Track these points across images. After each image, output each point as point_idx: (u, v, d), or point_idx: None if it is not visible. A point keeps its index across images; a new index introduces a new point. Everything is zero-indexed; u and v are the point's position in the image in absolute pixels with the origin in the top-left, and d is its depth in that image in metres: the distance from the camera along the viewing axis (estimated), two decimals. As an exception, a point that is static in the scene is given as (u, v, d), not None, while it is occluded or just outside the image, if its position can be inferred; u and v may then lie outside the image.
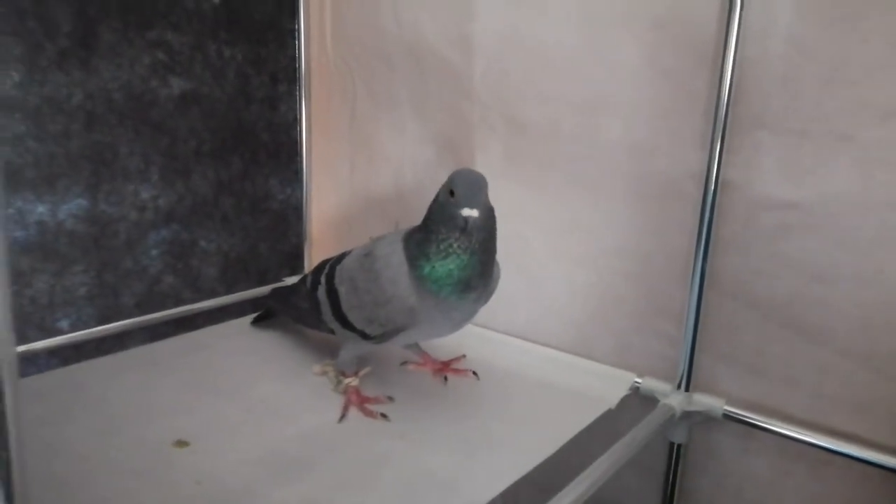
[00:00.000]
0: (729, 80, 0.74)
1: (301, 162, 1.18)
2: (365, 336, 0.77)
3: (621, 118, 0.84)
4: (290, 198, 1.19)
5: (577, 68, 0.87)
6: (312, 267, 0.93)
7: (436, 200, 0.74)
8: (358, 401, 0.79)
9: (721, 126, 0.75)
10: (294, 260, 1.21)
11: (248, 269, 1.15)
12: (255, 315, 1.04)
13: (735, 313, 0.79)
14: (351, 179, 1.16)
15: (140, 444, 0.69)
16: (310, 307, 0.85)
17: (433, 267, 0.70)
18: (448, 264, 0.70)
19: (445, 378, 0.87)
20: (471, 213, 0.68)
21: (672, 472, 0.85)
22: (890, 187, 0.68)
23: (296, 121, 1.16)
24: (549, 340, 0.95)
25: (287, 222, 1.20)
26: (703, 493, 0.85)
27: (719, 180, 0.76)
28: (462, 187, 0.70)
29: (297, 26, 1.12)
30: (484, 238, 0.72)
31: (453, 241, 0.70)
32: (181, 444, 0.69)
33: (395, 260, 0.74)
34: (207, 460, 0.67)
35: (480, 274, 0.73)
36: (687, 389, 0.82)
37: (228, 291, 1.11)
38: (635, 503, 0.90)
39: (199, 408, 0.77)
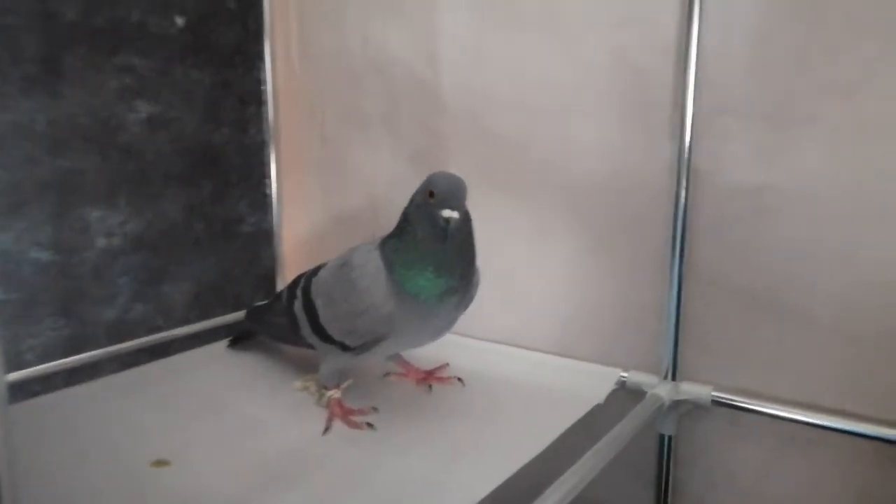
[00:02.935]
0: (693, 72, 0.76)
1: (271, 185, 1.17)
2: (345, 348, 0.76)
3: (592, 118, 0.86)
4: (261, 221, 1.18)
5: (545, 74, 0.88)
6: (287, 286, 0.91)
7: (411, 203, 0.73)
8: (342, 413, 0.77)
9: (689, 117, 0.77)
10: (268, 284, 1.19)
11: (222, 294, 1.13)
12: (231, 338, 1.01)
13: (716, 301, 0.80)
14: (323, 200, 1.15)
15: (118, 466, 0.66)
16: (287, 323, 0.83)
17: (412, 271, 0.70)
18: (427, 268, 0.69)
19: (430, 386, 0.85)
20: (451, 214, 0.68)
21: (664, 467, 0.84)
22: (859, 163, 0.70)
23: (265, 143, 1.16)
24: (531, 344, 0.94)
25: (259, 246, 1.18)
26: (695, 484, 0.84)
27: (690, 170, 0.78)
28: (442, 189, 0.69)
29: (263, 49, 1.13)
30: (463, 241, 0.71)
31: (432, 244, 0.69)
32: (161, 463, 0.66)
33: (371, 268, 0.73)
34: (190, 478, 0.64)
35: (460, 277, 0.72)
36: (674, 379, 0.82)
37: (202, 318, 1.08)
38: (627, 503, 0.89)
39: (177, 429, 0.74)
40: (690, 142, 0.77)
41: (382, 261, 0.72)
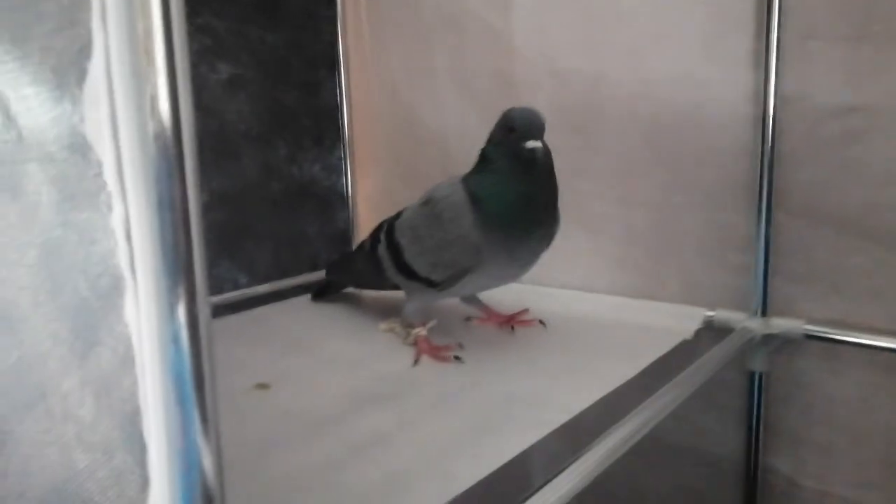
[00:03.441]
0: (778, -4, 0.75)
1: (344, 147, 1.19)
2: (430, 284, 0.77)
3: (669, 52, 0.85)
4: (335, 183, 1.20)
5: (618, 9, 0.88)
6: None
7: (490, 143, 0.74)
8: (428, 348, 0.78)
9: (774, 43, 0.76)
10: (342, 244, 1.22)
11: (299, 254, 1.15)
12: (314, 291, 1.04)
13: (806, 231, 0.78)
14: (395, 159, 1.17)
15: (226, 389, 0.68)
16: (371, 267, 0.85)
17: (498, 202, 0.70)
18: (513, 198, 0.70)
19: (512, 328, 0.85)
20: (535, 144, 0.68)
21: (755, 406, 0.83)
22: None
23: (337, 107, 1.18)
24: (612, 289, 0.94)
25: (333, 207, 1.20)
26: (790, 423, 0.82)
27: (778, 96, 0.76)
28: (522, 122, 0.70)
29: (335, 12, 1.15)
30: (546, 174, 0.72)
31: (518, 175, 0.70)
32: (262, 386, 0.68)
33: (456, 199, 0.74)
34: (290, 398, 0.66)
35: (545, 210, 0.73)
36: (764, 315, 0.80)
37: (281, 277, 1.11)
38: (719, 446, 0.87)
39: (272, 363, 0.76)
40: (777, 67, 0.75)
41: (466, 192, 0.73)
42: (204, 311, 0.27)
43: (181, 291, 0.26)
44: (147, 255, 0.26)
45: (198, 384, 0.26)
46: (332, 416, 0.62)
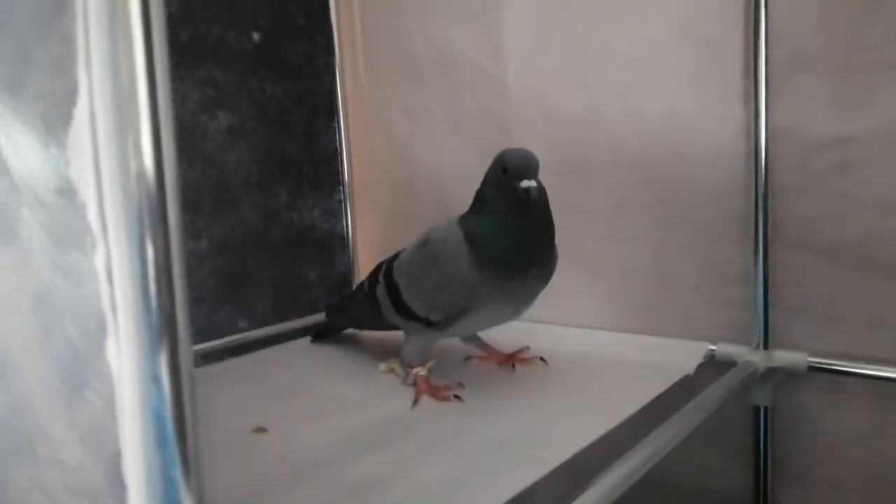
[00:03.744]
0: (764, 32, 0.76)
1: (343, 191, 1.20)
2: (429, 324, 0.77)
3: (661, 91, 0.86)
4: (334, 227, 1.21)
5: (610, 50, 0.89)
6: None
7: (484, 184, 0.75)
8: (428, 389, 0.77)
9: (763, 78, 0.77)
10: (343, 287, 1.22)
11: (299, 299, 1.15)
12: (313, 333, 1.04)
13: (804, 263, 0.78)
14: (393, 202, 1.18)
15: (222, 434, 0.68)
16: (370, 308, 0.85)
17: (494, 242, 0.70)
18: (509, 239, 0.70)
19: (513, 366, 0.85)
20: (530, 183, 0.69)
21: (761, 442, 0.81)
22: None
23: (336, 152, 1.20)
24: (612, 326, 0.93)
25: (333, 251, 1.21)
26: (796, 459, 0.80)
27: (769, 130, 0.77)
28: (515, 163, 0.71)
29: (332, 62, 1.18)
30: (541, 213, 0.72)
31: (514, 215, 0.70)
32: (260, 430, 0.68)
33: (453, 240, 0.74)
34: (287, 442, 0.65)
35: (541, 250, 0.73)
36: (765, 348, 0.79)
37: (281, 320, 1.11)
38: (726, 484, 0.85)
39: (270, 406, 0.76)
40: (766, 102, 0.77)
41: (462, 233, 0.73)
42: (185, 353, 0.27)
43: (162, 332, 0.26)
44: (128, 296, 0.26)
45: (178, 425, 0.26)
46: (329, 459, 0.61)
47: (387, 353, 0.90)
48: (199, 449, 0.27)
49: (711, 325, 0.85)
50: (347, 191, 1.21)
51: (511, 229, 0.70)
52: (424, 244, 0.79)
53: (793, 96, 0.76)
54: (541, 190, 0.71)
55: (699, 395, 0.68)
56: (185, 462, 0.26)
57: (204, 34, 1.01)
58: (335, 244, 1.21)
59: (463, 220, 0.76)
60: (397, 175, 1.16)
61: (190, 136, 1.00)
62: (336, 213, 1.21)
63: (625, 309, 0.92)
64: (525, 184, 0.69)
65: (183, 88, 0.99)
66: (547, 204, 0.72)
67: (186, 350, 0.27)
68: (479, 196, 0.75)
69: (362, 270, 1.22)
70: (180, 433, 0.26)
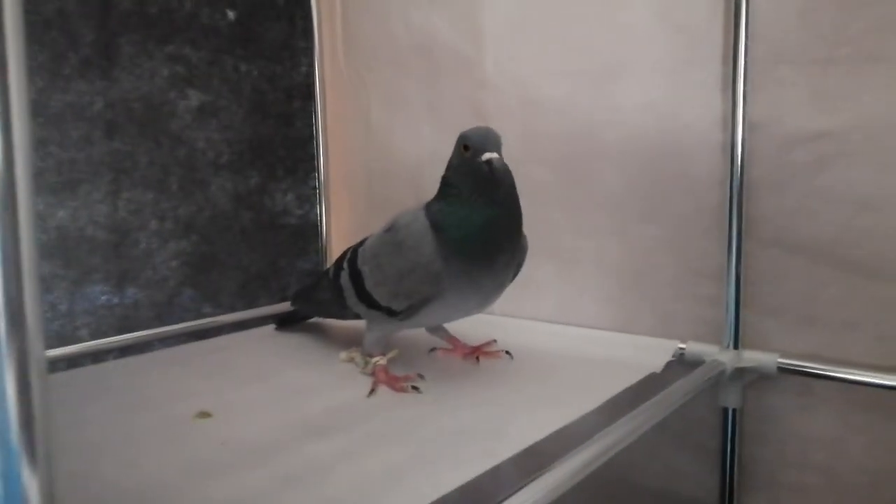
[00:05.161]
0: (745, 23, 0.74)
1: (318, 177, 1.18)
2: (391, 313, 0.74)
3: (639, 80, 0.84)
4: (308, 213, 1.18)
5: (588, 38, 0.87)
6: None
7: (449, 167, 0.72)
8: (387, 379, 0.75)
9: (741, 69, 0.74)
10: (314, 275, 1.19)
11: (268, 285, 1.13)
12: (277, 320, 1.01)
13: (778, 260, 0.75)
14: (369, 189, 1.15)
15: (163, 418, 0.65)
16: (333, 296, 0.83)
17: (459, 228, 0.68)
18: (475, 224, 0.68)
19: (477, 359, 0.82)
20: (492, 155, 0.66)
21: (729, 443, 0.79)
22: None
23: (312, 137, 1.17)
24: (583, 321, 0.91)
25: (306, 238, 1.18)
26: (764, 463, 0.78)
27: (746, 123, 0.75)
28: (476, 139, 0.68)
29: (312, 44, 1.15)
30: (508, 197, 0.69)
31: (478, 194, 0.68)
32: (203, 415, 0.65)
33: (417, 227, 0.72)
34: (232, 428, 0.63)
35: (508, 234, 0.70)
36: (736, 347, 0.77)
37: (248, 307, 1.09)
38: (694, 487, 0.83)
39: (224, 392, 0.73)
40: (745, 94, 0.74)
41: (428, 220, 0.71)
42: (36, 359, 0.25)
43: (10, 328, 0.25)
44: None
45: (28, 447, 0.24)
46: (272, 446, 0.58)
47: (350, 342, 0.88)
48: (51, 449, 0.25)
49: (686, 322, 0.82)
50: (322, 176, 1.18)
51: (476, 215, 0.68)
52: (390, 230, 0.76)
53: (772, 88, 0.74)
54: (505, 167, 0.68)
55: (661, 392, 0.65)
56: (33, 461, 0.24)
57: (176, 8, 0.98)
58: (308, 231, 1.18)
59: (429, 207, 0.73)
60: (374, 162, 1.14)
61: (156, 114, 0.97)
62: (310, 199, 1.18)
63: (598, 304, 0.90)
64: (487, 156, 0.66)
65: (150, 64, 0.96)
66: (513, 186, 0.70)
67: (38, 355, 0.25)
68: (445, 181, 0.73)
69: (335, 258, 1.19)
70: (27, 431, 0.24)
